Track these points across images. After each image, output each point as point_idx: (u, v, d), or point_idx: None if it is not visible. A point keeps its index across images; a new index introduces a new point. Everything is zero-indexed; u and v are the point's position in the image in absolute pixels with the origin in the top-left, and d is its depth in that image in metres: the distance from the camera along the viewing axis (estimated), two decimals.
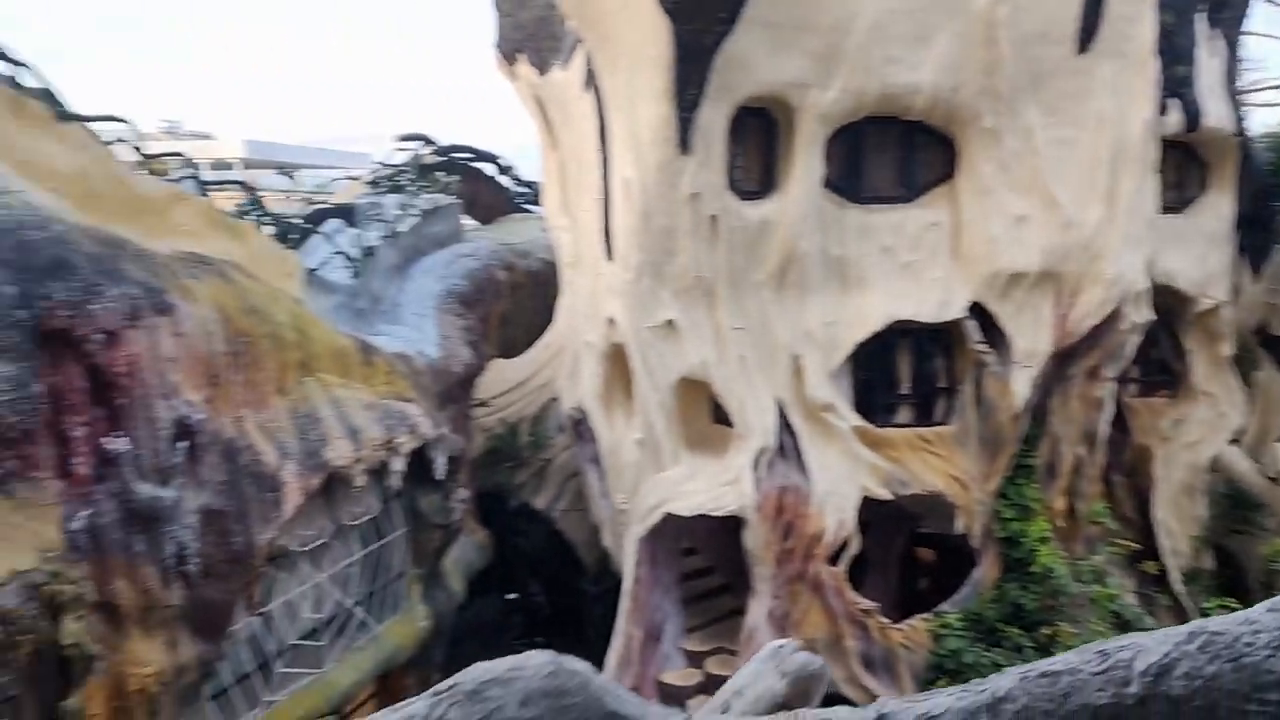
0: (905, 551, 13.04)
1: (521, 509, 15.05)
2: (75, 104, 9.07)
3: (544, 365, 15.79)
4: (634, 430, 11.53)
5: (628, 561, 11.56)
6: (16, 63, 8.53)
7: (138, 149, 11.63)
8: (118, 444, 7.21)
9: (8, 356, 6.56)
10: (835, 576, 10.63)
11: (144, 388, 7.44)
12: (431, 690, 2.18)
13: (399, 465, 10.76)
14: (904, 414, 11.58)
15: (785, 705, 3.58)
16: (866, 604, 10.78)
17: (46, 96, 8.63)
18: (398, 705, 2.30)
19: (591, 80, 11.60)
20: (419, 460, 11.34)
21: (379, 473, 10.53)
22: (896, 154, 11.27)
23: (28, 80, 8.58)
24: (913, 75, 10.39)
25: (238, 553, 7.96)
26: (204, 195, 11.89)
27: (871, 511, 10.90)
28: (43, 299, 6.85)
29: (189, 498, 7.66)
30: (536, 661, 2.17)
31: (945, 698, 2.64)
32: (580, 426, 12.98)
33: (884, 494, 10.83)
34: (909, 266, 11.04)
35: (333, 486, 9.81)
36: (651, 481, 11.22)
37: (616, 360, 11.76)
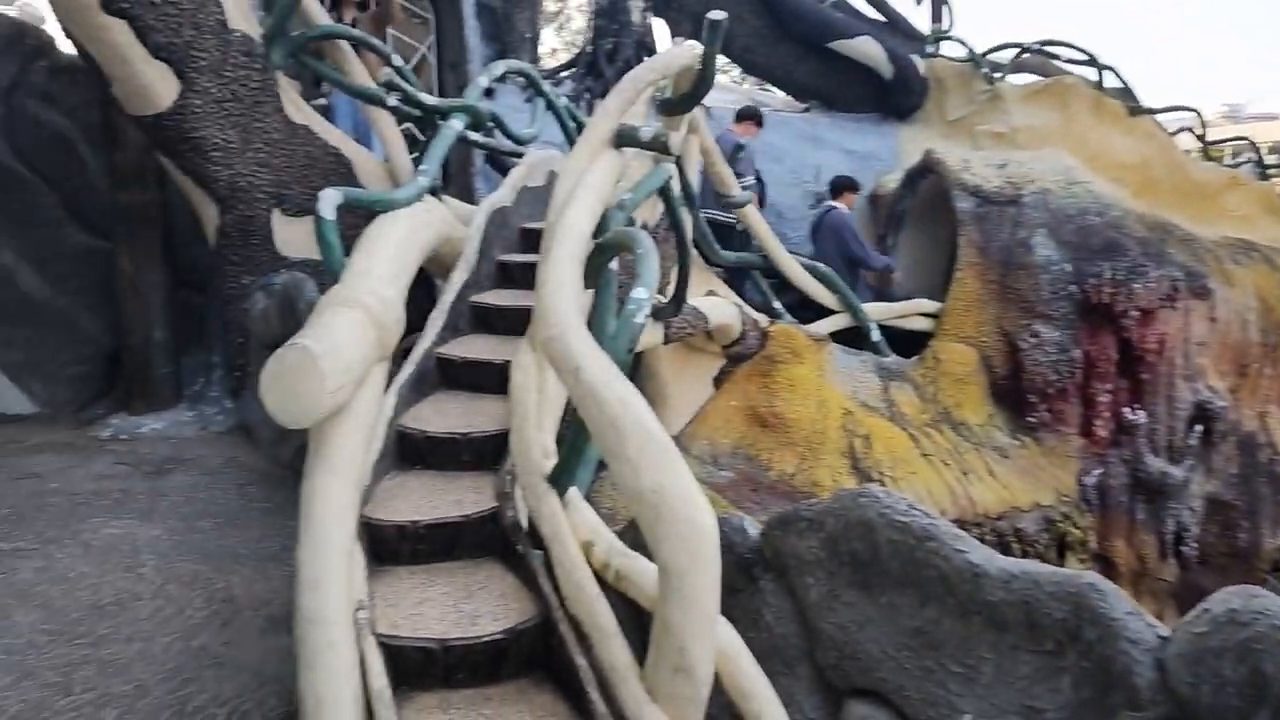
0: None
1: None
2: (1148, 97, 9.81)
3: None
4: None
5: None
6: (1104, 67, 9.65)
7: (1200, 136, 11.70)
8: (1136, 416, 7.70)
9: (1056, 324, 7.68)
10: None
11: (1169, 367, 7.74)
12: None
13: None
14: None
15: None
16: None
17: (1123, 94, 9.55)
18: None
19: None
20: None
21: None
22: None
23: (1110, 81, 9.63)
24: None
25: (1240, 549, 7.65)
26: (1264, 179, 11.28)
27: None
28: (1092, 276, 7.73)
29: (1196, 481, 7.69)
30: None
31: None
32: None
33: None
34: None
35: None
36: None
37: None
